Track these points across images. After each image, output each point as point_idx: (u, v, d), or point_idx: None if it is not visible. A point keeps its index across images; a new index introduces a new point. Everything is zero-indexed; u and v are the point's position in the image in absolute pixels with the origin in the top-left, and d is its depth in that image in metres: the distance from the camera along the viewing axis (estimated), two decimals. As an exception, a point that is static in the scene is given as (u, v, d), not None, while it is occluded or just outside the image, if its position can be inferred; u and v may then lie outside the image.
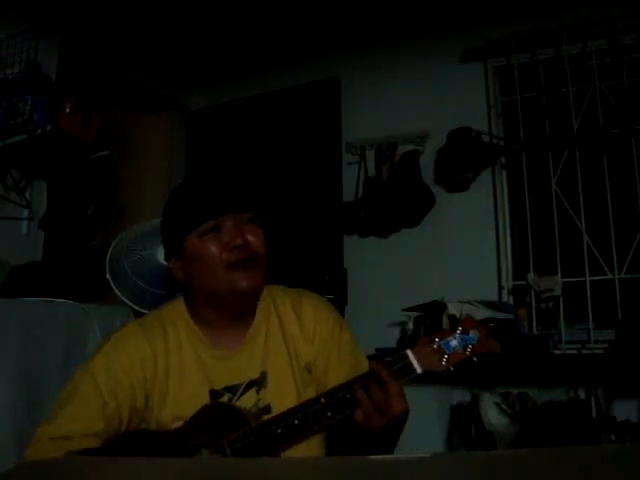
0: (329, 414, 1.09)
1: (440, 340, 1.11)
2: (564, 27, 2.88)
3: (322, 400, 1.10)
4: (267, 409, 1.18)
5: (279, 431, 1.09)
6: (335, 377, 1.22)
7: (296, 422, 1.09)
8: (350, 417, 1.09)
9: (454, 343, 1.11)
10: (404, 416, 1.10)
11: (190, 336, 1.22)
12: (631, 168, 2.78)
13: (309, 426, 1.10)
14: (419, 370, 1.10)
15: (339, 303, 3.02)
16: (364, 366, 1.26)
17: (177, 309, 1.26)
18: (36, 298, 1.92)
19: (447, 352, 1.11)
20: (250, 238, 1.18)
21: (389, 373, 1.08)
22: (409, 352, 1.11)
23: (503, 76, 3.18)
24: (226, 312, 1.22)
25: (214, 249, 1.16)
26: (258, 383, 1.20)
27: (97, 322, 1.94)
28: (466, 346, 1.11)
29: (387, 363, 1.11)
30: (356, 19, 3.29)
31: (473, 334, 1.11)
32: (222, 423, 1.11)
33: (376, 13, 3.23)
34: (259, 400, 1.19)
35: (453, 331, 1.12)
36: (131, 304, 2.06)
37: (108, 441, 1.11)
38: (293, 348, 1.24)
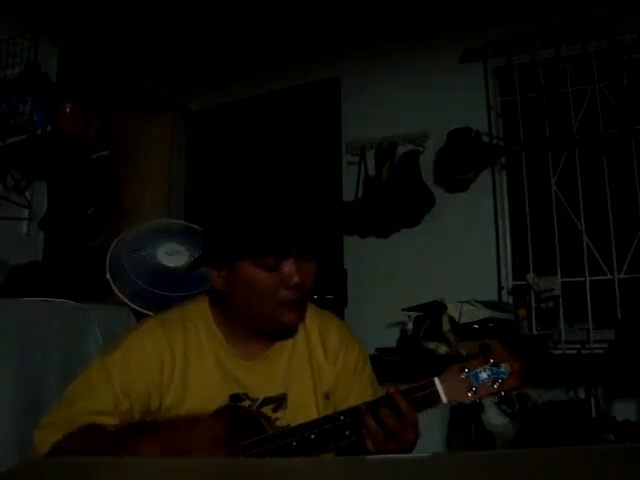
0: (347, 433, 1.06)
1: (469, 371, 1.06)
2: (564, 27, 2.88)
3: (342, 418, 1.07)
4: None
5: (294, 444, 1.06)
6: None
7: (312, 437, 1.06)
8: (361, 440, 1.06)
9: (484, 376, 1.05)
10: (414, 444, 1.06)
11: (212, 339, 1.20)
12: (631, 168, 2.78)
13: (325, 444, 1.07)
14: (445, 400, 1.06)
15: (339, 303, 3.02)
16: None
17: (200, 309, 1.23)
18: (36, 298, 1.92)
19: (475, 384, 1.05)
20: (305, 278, 1.14)
21: (405, 400, 1.04)
22: (436, 380, 1.06)
23: (503, 76, 3.17)
24: (258, 331, 1.20)
25: (270, 283, 1.12)
26: (276, 401, 1.18)
27: (97, 322, 1.94)
28: (496, 380, 1.05)
29: (412, 388, 1.07)
30: (356, 19, 3.29)
31: (504, 368, 1.05)
32: (239, 427, 1.09)
33: (376, 13, 3.23)
34: (276, 420, 1.16)
35: (484, 362, 1.06)
36: (131, 304, 2.06)
37: (122, 429, 1.09)
38: (317, 371, 1.22)
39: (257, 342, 1.21)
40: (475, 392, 1.05)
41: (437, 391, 1.06)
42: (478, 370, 1.06)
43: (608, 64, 2.87)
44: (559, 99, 2.95)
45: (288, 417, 1.17)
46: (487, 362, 1.06)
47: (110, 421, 1.10)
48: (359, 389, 1.23)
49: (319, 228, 1.19)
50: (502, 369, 1.06)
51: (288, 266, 1.12)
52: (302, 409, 1.18)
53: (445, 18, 3.20)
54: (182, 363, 1.16)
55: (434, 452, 0.74)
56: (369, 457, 0.76)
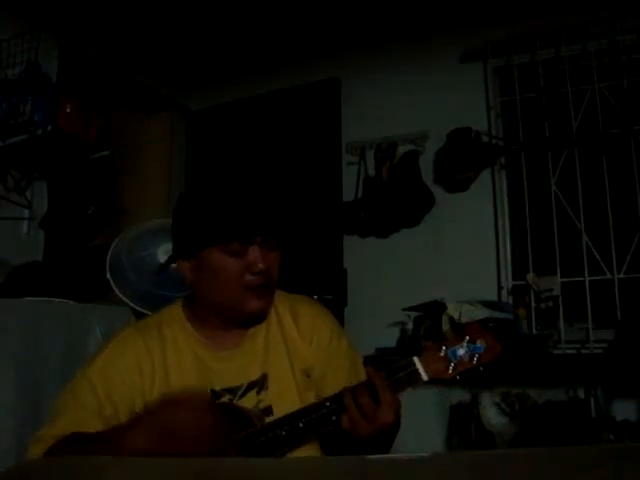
0: (334, 418, 1.08)
1: (447, 348, 1.10)
2: (564, 27, 2.88)
3: (327, 404, 1.10)
4: (268, 410, 1.18)
5: (283, 434, 1.08)
6: (333, 384, 1.21)
7: (301, 425, 1.09)
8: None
9: (461, 352, 1.10)
10: (392, 429, 1.08)
11: (187, 338, 1.23)
12: (630, 169, 2.78)
13: (314, 430, 1.09)
14: (425, 377, 1.09)
15: (339, 303, 3.02)
16: (361, 373, 1.25)
17: (174, 312, 1.28)
18: (36, 298, 1.92)
19: (454, 360, 1.09)
20: (270, 265, 1.18)
21: (383, 382, 1.07)
22: (416, 359, 1.10)
23: (503, 76, 3.18)
24: (229, 321, 1.23)
25: (236, 269, 1.15)
26: (258, 384, 1.20)
27: (97, 322, 1.94)
28: (473, 355, 1.10)
29: (394, 369, 1.10)
30: (356, 20, 3.29)
31: (480, 343, 1.10)
32: (227, 424, 1.10)
33: (376, 13, 3.23)
34: (259, 402, 1.19)
35: (460, 339, 1.11)
36: (131, 304, 2.06)
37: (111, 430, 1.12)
38: (293, 349, 1.24)
39: (231, 332, 1.23)
40: (454, 368, 1.09)
41: (417, 370, 1.09)
42: (455, 347, 1.10)
43: (608, 64, 2.87)
44: (559, 99, 2.95)
45: (270, 397, 1.19)
46: (463, 339, 1.10)
47: (96, 428, 1.12)
48: (336, 365, 1.26)
49: (285, 217, 1.22)
50: (478, 345, 1.10)
51: (253, 252, 1.15)
52: (282, 387, 1.20)
53: (445, 18, 3.19)
54: (161, 365, 1.19)
55: (434, 452, 0.74)
56: (369, 457, 0.76)
